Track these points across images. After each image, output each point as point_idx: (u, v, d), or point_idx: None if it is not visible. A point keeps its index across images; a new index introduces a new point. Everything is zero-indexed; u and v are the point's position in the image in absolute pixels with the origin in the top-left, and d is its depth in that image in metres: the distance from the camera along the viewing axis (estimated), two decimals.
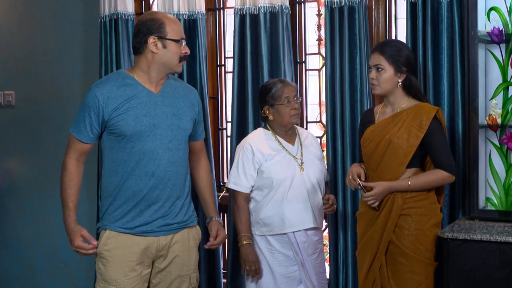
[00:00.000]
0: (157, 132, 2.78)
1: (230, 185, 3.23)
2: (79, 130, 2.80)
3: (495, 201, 3.12)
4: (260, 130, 3.30)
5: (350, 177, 2.96)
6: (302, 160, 3.20)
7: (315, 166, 3.22)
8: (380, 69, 2.91)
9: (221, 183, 4.12)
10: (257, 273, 3.17)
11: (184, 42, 2.81)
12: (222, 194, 4.04)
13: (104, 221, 2.82)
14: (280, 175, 3.14)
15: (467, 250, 2.83)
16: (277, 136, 3.23)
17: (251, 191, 3.21)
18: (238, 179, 3.20)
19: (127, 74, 2.82)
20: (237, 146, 3.30)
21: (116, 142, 2.79)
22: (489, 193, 3.14)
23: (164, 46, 2.77)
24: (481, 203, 3.11)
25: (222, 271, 4.00)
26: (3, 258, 4.70)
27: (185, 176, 2.88)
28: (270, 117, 3.21)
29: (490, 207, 3.13)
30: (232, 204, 3.32)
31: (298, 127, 3.34)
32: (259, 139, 3.22)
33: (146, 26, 2.77)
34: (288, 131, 3.23)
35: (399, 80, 2.92)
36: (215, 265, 3.94)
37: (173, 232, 2.84)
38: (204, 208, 3.06)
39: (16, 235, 4.65)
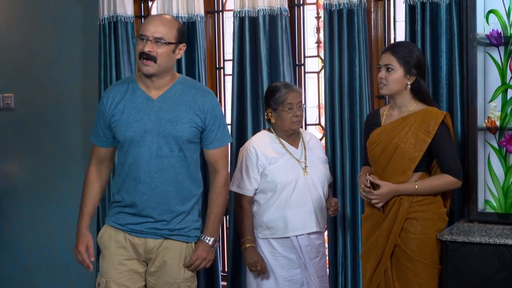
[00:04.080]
0: (147, 138, 2.76)
1: (234, 188, 3.23)
2: (95, 136, 2.90)
3: (494, 204, 3.12)
4: (264, 132, 3.30)
5: (361, 188, 2.96)
6: (306, 163, 3.20)
7: (318, 169, 3.22)
8: (390, 69, 2.91)
9: None
10: (263, 272, 3.15)
11: (144, 39, 2.71)
12: None
13: (106, 216, 2.91)
14: (284, 179, 3.14)
15: (466, 253, 2.84)
16: (281, 139, 3.23)
17: (255, 194, 3.21)
18: (241, 182, 3.20)
19: (134, 79, 2.86)
20: (240, 149, 3.30)
21: (118, 146, 2.86)
22: (488, 196, 3.13)
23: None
24: (480, 205, 3.11)
25: (221, 274, 3.99)
26: (2, 261, 4.69)
27: (181, 184, 2.79)
28: (272, 120, 3.22)
29: (489, 209, 3.13)
30: (235, 207, 3.31)
31: (301, 130, 3.35)
32: (263, 142, 3.22)
33: None
34: (291, 134, 3.23)
35: (408, 83, 2.91)
36: (213, 268, 3.93)
37: (162, 238, 2.80)
38: None
39: (15, 238, 4.64)
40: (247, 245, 3.16)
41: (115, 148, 2.90)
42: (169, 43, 2.73)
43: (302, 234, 3.16)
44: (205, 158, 2.91)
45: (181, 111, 2.78)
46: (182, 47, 2.81)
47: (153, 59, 2.71)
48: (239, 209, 3.23)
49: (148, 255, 2.82)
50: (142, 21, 4.20)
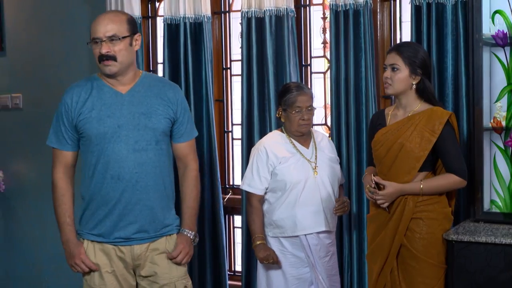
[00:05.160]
0: (122, 133, 2.70)
1: (245, 187, 3.26)
2: (57, 140, 2.81)
3: (500, 204, 3.13)
4: (275, 132, 3.34)
5: (367, 189, 2.95)
6: (316, 163, 3.22)
7: (329, 170, 3.24)
8: (395, 69, 2.91)
9: (227, 186, 4.13)
10: (277, 262, 3.18)
11: (99, 41, 2.67)
12: (228, 196, 4.06)
13: (81, 228, 2.81)
14: (293, 178, 3.17)
15: (472, 252, 2.84)
16: (292, 139, 3.25)
17: (265, 193, 3.24)
18: (252, 181, 3.23)
19: (97, 77, 2.81)
20: (252, 148, 3.33)
21: (86, 146, 2.76)
22: (493, 196, 3.14)
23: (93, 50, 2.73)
24: (486, 205, 3.11)
25: (228, 272, 4.01)
26: (10, 259, 4.72)
27: (159, 178, 2.75)
28: (282, 119, 3.27)
29: (494, 209, 3.13)
30: (246, 205, 3.35)
31: (314, 130, 3.37)
32: (274, 142, 3.25)
33: None
34: (302, 136, 3.26)
35: (413, 83, 2.92)
36: (220, 267, 3.95)
37: (148, 241, 2.75)
38: None
39: (23, 237, 4.67)
40: (258, 242, 3.19)
41: (78, 153, 2.81)
42: (124, 37, 2.69)
43: (311, 233, 3.18)
44: (173, 153, 2.86)
45: (153, 104, 2.75)
46: (138, 37, 2.76)
47: (113, 58, 2.68)
48: (249, 207, 3.27)
49: (136, 262, 2.76)
50: (150, 22, 4.23)
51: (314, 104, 3.29)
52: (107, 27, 2.68)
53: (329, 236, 3.25)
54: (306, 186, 3.17)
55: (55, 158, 2.83)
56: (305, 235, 3.18)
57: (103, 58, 2.68)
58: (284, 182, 3.17)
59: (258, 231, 3.21)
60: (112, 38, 2.67)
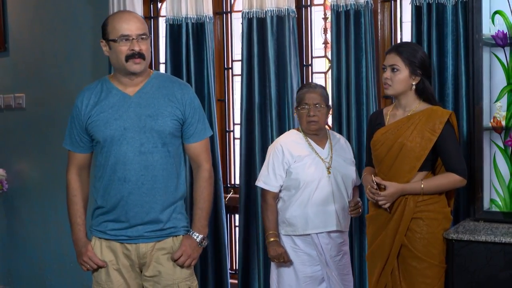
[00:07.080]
0: (128, 136, 2.69)
1: (260, 184, 3.30)
2: (71, 142, 2.83)
3: (500, 203, 3.14)
4: (292, 131, 3.38)
5: (368, 188, 2.95)
6: (330, 163, 3.25)
7: (343, 170, 3.26)
8: (395, 70, 2.92)
9: (228, 185, 4.15)
10: (286, 262, 3.22)
11: (130, 39, 2.66)
12: (229, 195, 4.08)
13: (92, 225, 2.83)
14: (307, 177, 3.20)
15: (471, 251, 2.85)
16: (308, 138, 3.29)
17: (280, 190, 3.27)
18: (267, 178, 3.27)
19: (107, 79, 2.81)
20: (269, 146, 3.38)
21: (97, 148, 2.78)
22: (493, 195, 3.15)
23: (110, 48, 2.71)
24: (486, 204, 3.12)
25: (230, 271, 4.03)
26: (13, 258, 4.74)
27: (166, 180, 2.73)
28: (297, 118, 3.33)
29: (494, 208, 3.15)
30: (261, 202, 3.39)
31: (331, 131, 3.42)
32: (290, 141, 3.29)
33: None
34: (317, 134, 3.29)
35: (413, 83, 2.92)
36: (221, 265, 3.97)
37: (154, 240, 2.74)
38: None
39: (26, 236, 4.69)
40: (271, 239, 3.23)
41: (92, 154, 2.83)
42: (148, 36, 2.73)
43: (322, 232, 3.21)
44: (186, 153, 2.85)
45: (160, 105, 2.73)
46: (150, 38, 2.78)
47: (143, 56, 2.69)
48: (264, 204, 3.31)
49: (141, 260, 2.76)
50: (152, 22, 4.25)
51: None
52: (136, 24, 2.68)
53: (341, 236, 3.28)
54: (319, 185, 3.20)
55: (69, 159, 2.85)
56: (317, 234, 3.20)
57: (135, 56, 2.66)
58: (298, 180, 3.21)
59: (271, 228, 3.25)
60: (142, 37, 2.68)
